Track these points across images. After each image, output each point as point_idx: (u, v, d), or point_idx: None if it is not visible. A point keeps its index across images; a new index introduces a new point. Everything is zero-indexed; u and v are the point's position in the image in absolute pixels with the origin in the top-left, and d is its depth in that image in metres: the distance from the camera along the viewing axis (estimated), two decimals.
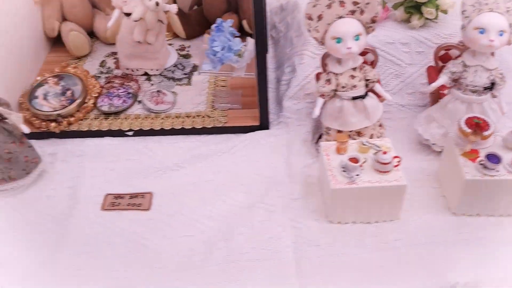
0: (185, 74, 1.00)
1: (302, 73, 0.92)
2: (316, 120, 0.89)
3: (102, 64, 1.03)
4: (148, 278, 0.68)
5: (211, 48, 0.80)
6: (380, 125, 0.81)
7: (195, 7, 1.11)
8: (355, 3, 0.71)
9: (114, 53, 1.05)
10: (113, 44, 1.07)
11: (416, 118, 0.84)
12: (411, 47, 0.92)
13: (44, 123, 0.87)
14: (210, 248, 0.71)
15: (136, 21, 0.90)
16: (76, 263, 0.69)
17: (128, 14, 0.92)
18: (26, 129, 0.77)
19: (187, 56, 1.04)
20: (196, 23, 1.08)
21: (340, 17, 0.71)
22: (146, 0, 0.88)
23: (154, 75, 0.99)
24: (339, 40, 0.71)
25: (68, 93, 0.90)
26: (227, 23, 0.82)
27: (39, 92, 0.90)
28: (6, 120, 0.76)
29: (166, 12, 0.93)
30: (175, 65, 1.02)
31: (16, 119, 0.76)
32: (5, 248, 0.71)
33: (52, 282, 0.67)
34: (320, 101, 0.77)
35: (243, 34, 1.06)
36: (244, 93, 0.94)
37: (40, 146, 0.84)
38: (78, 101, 0.89)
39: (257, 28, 0.74)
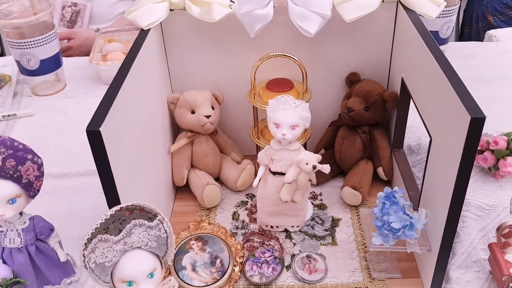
0: (326, 230, 0.93)
1: (467, 237, 0.85)
2: None
3: (235, 216, 0.97)
4: None
5: (388, 223, 0.74)
6: None
7: (322, 151, 1.07)
8: None
9: (245, 203, 1.00)
10: (242, 191, 1.03)
11: None
12: None
13: None
14: None
15: (288, 183, 0.85)
16: None
17: (275, 173, 0.88)
18: None
19: (322, 207, 0.99)
20: None
21: None
22: (303, 163, 0.83)
23: (295, 231, 0.93)
24: None
25: (217, 262, 0.83)
26: (399, 193, 0.77)
27: (186, 261, 0.83)
28: None
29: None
30: (312, 218, 0.96)
31: None
32: None
33: None
34: None
35: (376, 180, 1.01)
36: (398, 257, 0.87)
37: None
38: (228, 272, 0.82)
39: (453, 202, 0.68)
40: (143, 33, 0.88)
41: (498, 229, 0.79)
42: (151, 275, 0.62)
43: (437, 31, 1.35)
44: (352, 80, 1.01)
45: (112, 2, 1.91)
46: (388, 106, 0.96)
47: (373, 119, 0.99)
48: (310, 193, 1.02)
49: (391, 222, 0.74)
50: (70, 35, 1.81)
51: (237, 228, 0.95)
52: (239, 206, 1.00)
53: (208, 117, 0.97)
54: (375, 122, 1.00)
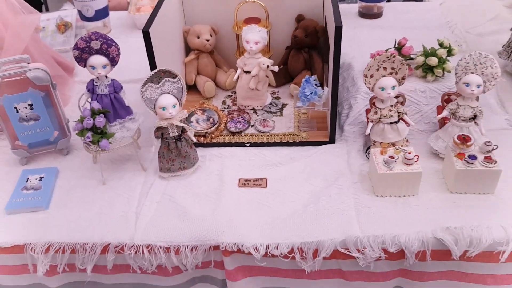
0: (278, 109, 1.53)
1: (356, 108, 1.44)
2: (366, 138, 1.40)
3: (223, 102, 1.58)
4: (272, 222, 1.18)
5: (303, 92, 1.34)
6: (407, 140, 1.31)
7: (281, 66, 1.66)
8: (392, 68, 1.23)
9: (230, 96, 1.60)
10: (228, 90, 1.63)
11: (429, 137, 1.35)
12: (426, 94, 1.43)
13: (196, 137, 1.41)
14: (306, 207, 1.21)
15: (253, 76, 1.45)
16: (230, 213, 1.21)
17: (246, 72, 1.48)
18: (195, 139, 1.31)
19: (277, 98, 1.59)
20: (282, 76, 1.63)
21: (383, 76, 1.24)
22: (261, 64, 1.43)
23: (259, 109, 1.53)
24: (383, 89, 1.23)
25: (211, 119, 1.44)
26: (312, 78, 1.36)
27: (193, 118, 1.45)
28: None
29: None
30: (270, 104, 1.56)
31: (191, 132, 1.30)
32: (187, 204, 1.24)
33: (219, 222, 1.19)
34: (370, 124, 1.28)
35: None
36: (317, 121, 1.47)
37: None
38: (217, 125, 1.43)
39: (333, 82, 1.27)
40: None
41: (370, 99, 1.39)
42: (174, 106, 1.23)
43: None
44: (299, 19, 1.59)
45: None
46: (319, 35, 1.55)
47: (311, 43, 1.57)
48: (271, 90, 1.61)
49: (305, 91, 1.34)
50: None
51: (224, 108, 1.55)
52: (226, 97, 1.60)
53: (208, 40, 1.56)
54: (312, 46, 1.59)
